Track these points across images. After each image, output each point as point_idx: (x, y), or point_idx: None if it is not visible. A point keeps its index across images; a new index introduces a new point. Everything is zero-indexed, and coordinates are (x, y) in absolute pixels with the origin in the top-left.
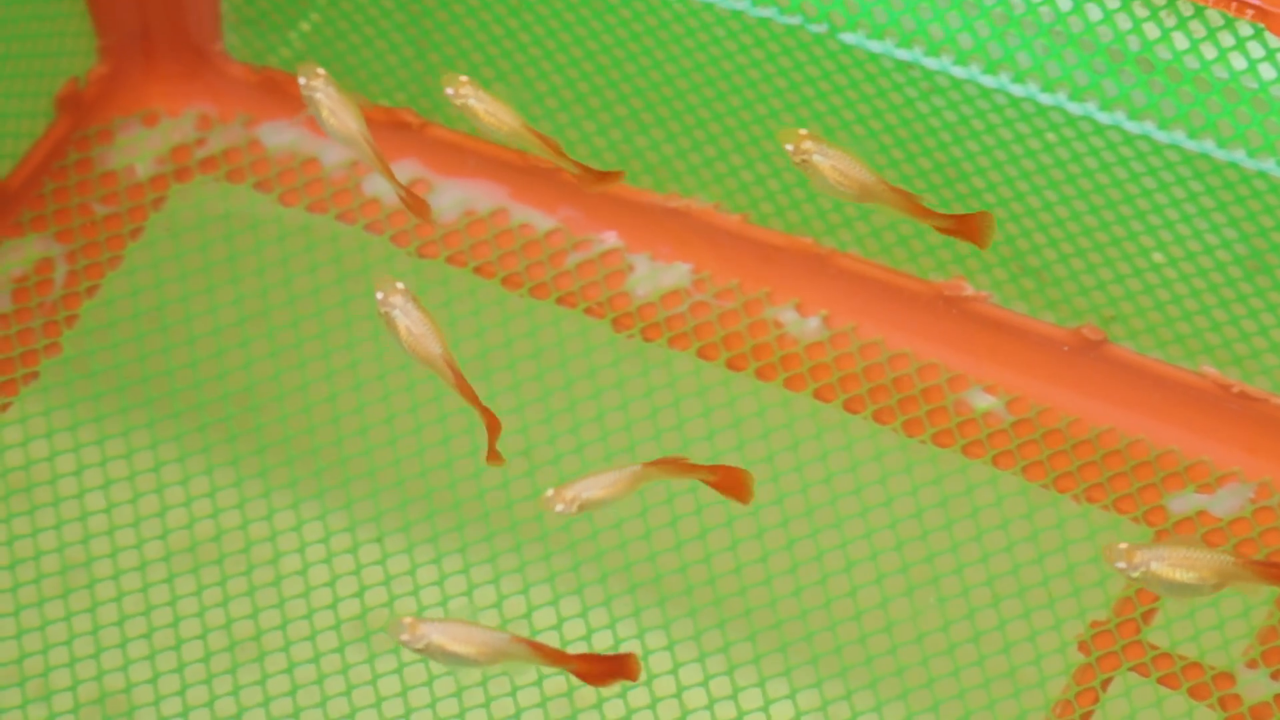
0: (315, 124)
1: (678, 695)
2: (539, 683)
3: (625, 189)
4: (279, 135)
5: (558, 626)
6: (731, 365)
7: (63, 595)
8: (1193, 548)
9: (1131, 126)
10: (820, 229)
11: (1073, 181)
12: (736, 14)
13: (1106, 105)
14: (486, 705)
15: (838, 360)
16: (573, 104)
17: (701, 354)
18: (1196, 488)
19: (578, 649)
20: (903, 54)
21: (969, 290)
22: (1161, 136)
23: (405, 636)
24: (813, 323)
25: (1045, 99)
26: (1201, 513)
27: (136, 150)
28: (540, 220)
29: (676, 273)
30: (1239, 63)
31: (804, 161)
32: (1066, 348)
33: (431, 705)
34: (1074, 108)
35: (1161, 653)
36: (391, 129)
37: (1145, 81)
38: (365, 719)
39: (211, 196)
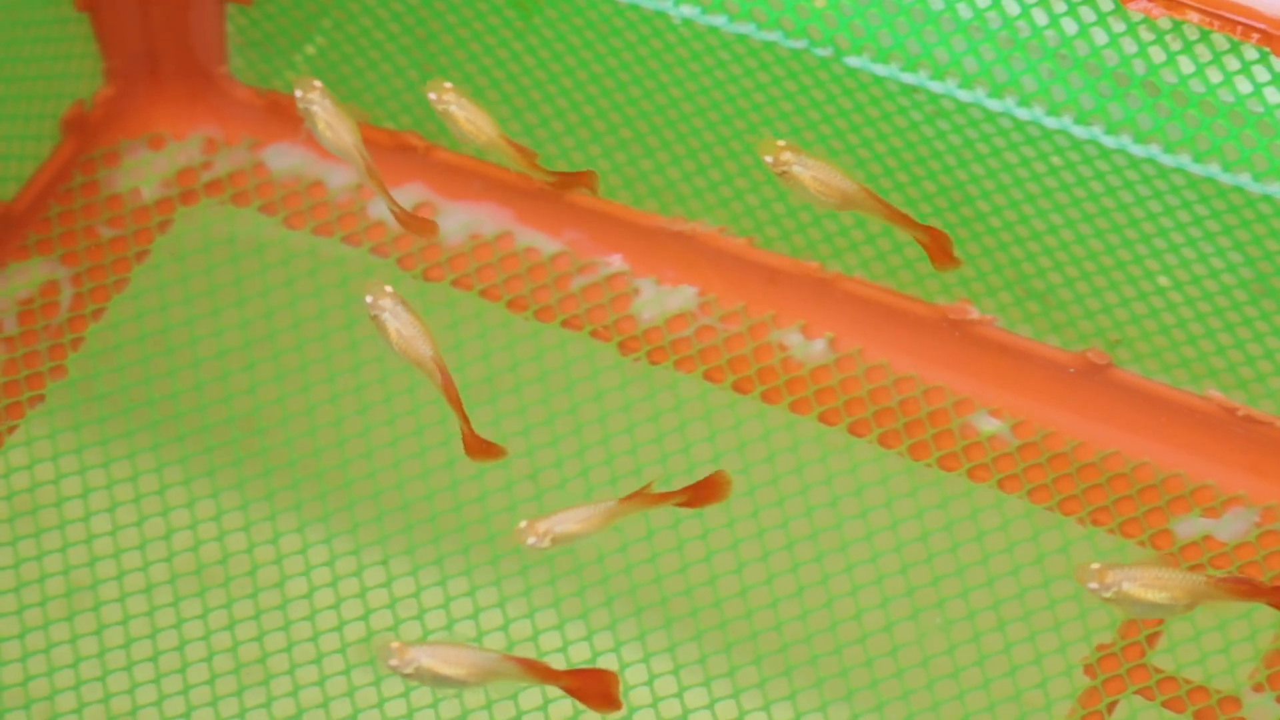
0: (321, 147)
1: (683, 718)
2: (544, 707)
3: (631, 212)
4: (284, 158)
5: (563, 649)
6: (737, 388)
7: (68, 618)
8: (1164, 568)
9: (1137, 150)
10: (826, 252)
11: (1078, 205)
12: (742, 38)
13: (1112, 129)
14: None
15: (843, 384)
16: (578, 127)
17: (707, 377)
18: (1202, 511)
19: None
20: (908, 78)
21: (974, 313)
22: (1167, 160)
23: (394, 661)
24: (818, 346)
25: (1051, 123)
26: (1207, 537)
27: (142, 173)
28: (546, 243)
29: (682, 296)
30: (1245, 86)
31: (784, 173)
32: (1073, 369)
33: None
34: (1080, 131)
35: (1167, 676)
36: (397, 152)
37: (1151, 105)
38: None
39: (217, 220)
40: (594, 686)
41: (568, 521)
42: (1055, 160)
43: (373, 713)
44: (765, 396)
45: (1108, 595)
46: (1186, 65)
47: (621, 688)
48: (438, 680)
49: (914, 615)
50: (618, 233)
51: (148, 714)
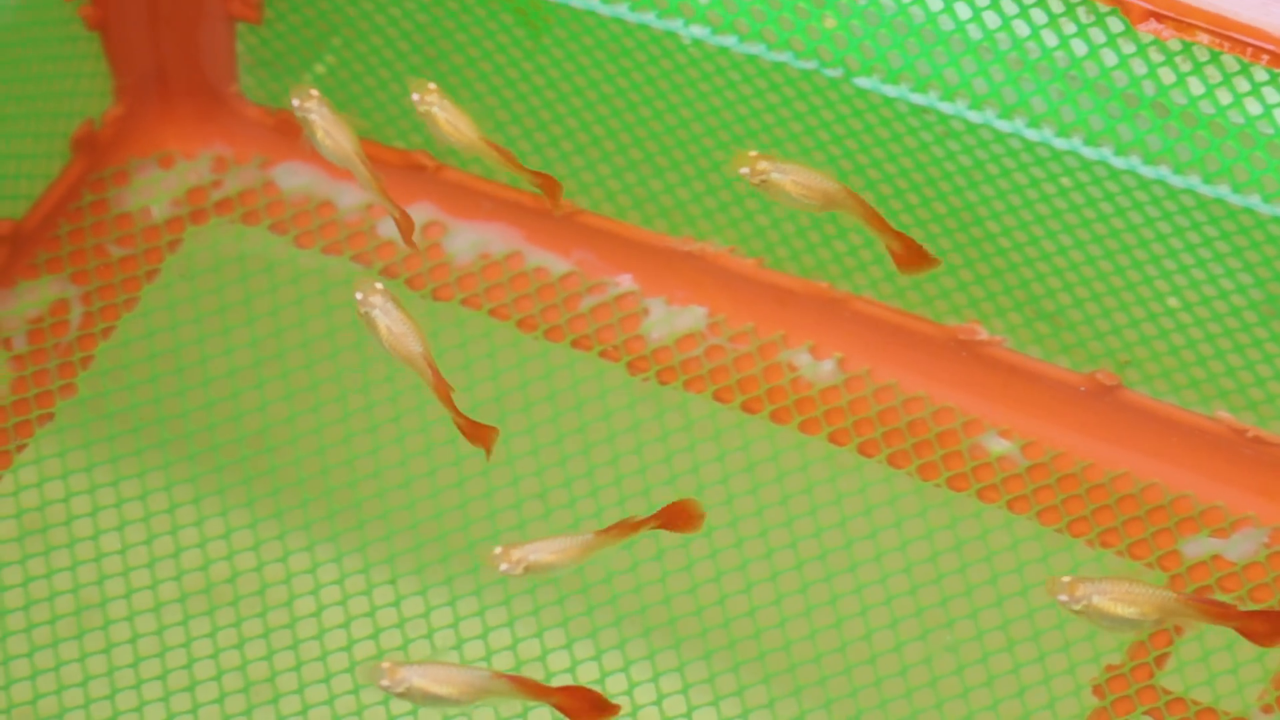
0: (331, 166)
1: None
2: None
3: (640, 232)
4: (295, 177)
5: (572, 669)
6: (747, 409)
7: (78, 637)
8: (1135, 583)
9: (1147, 171)
10: (835, 273)
11: (1088, 226)
12: (752, 58)
13: (1122, 150)
14: None
15: (852, 404)
16: (588, 147)
17: (717, 397)
18: (1211, 532)
19: None
20: (918, 99)
21: (984, 334)
22: (1177, 181)
23: (385, 681)
24: (827, 366)
25: (1061, 144)
26: (1216, 557)
27: (152, 192)
28: (555, 263)
29: (692, 316)
30: (1255, 108)
31: (763, 182)
32: (1083, 388)
33: None
34: (1089, 152)
35: (1175, 697)
36: (406, 171)
37: (1160, 126)
38: None
39: (227, 238)
40: (586, 704)
41: (543, 551)
42: (1065, 181)
43: None
44: (774, 417)
45: (1077, 608)
46: (1196, 87)
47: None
48: (429, 699)
49: (923, 635)
50: (627, 253)
51: None
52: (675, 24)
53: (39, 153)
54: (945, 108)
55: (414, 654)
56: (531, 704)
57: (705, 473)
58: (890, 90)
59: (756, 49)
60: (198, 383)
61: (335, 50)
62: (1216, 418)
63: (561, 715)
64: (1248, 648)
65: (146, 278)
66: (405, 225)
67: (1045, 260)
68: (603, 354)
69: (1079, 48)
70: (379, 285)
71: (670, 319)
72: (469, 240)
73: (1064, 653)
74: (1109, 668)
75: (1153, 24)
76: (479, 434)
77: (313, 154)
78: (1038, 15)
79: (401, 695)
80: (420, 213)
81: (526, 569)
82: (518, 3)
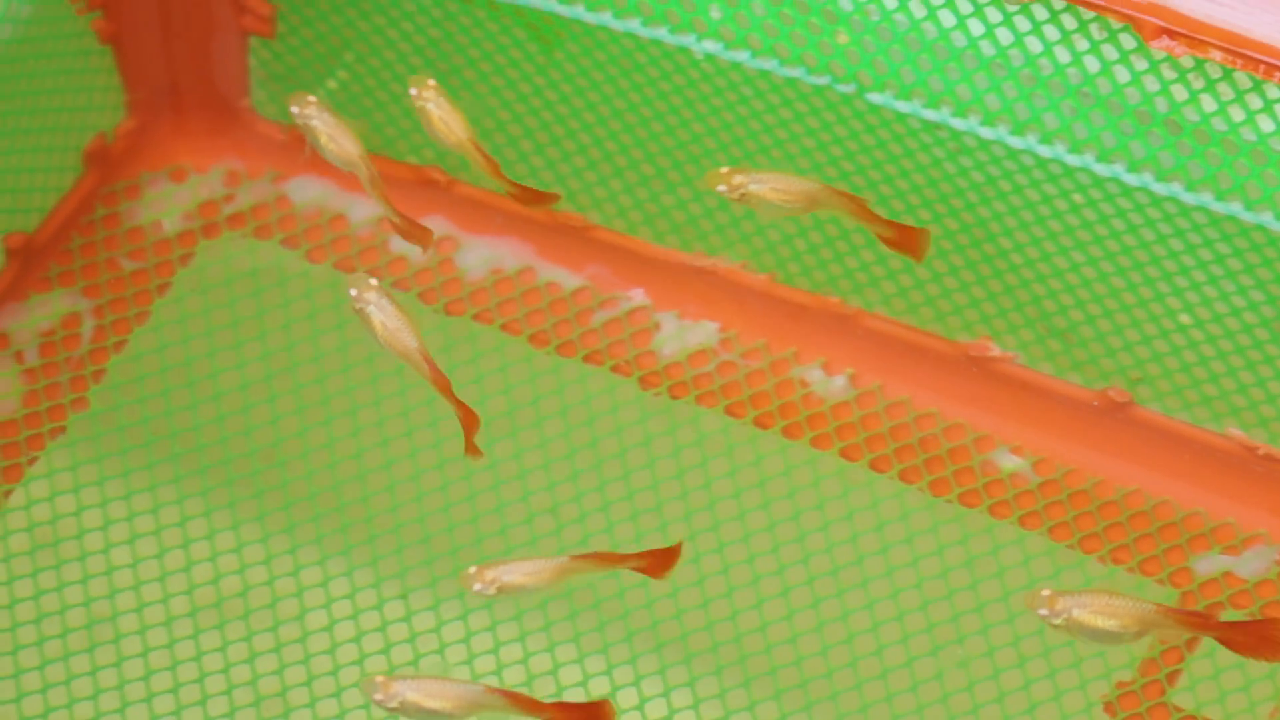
0: (344, 180)
1: None
2: None
3: (653, 247)
4: (307, 191)
5: (583, 683)
6: (758, 424)
7: (88, 650)
8: (1114, 595)
9: (1159, 188)
10: (847, 288)
11: (1100, 243)
12: (764, 74)
13: (1134, 167)
14: None
15: (864, 420)
16: (600, 163)
17: (729, 412)
18: (1222, 549)
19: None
20: (930, 115)
21: (995, 351)
22: (1189, 198)
23: (378, 695)
24: (839, 382)
25: (1073, 160)
26: (1227, 574)
27: (164, 206)
28: (567, 278)
29: (703, 331)
30: (1267, 125)
31: (742, 195)
32: (1095, 405)
33: None
34: (1102, 169)
35: (1187, 715)
36: (419, 186)
37: (1173, 144)
38: None
39: (239, 252)
40: (579, 719)
41: (516, 573)
42: (1077, 198)
43: None
44: (786, 432)
45: (1057, 622)
46: (1209, 103)
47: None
48: (423, 714)
49: (934, 651)
50: (639, 268)
51: None
52: (688, 39)
53: (51, 166)
54: (958, 124)
55: (425, 668)
56: (525, 719)
57: (717, 488)
58: (903, 106)
59: (769, 64)
60: (209, 396)
61: (348, 65)
62: (1228, 435)
63: None
64: (1259, 665)
65: (158, 291)
66: (410, 231)
67: (1057, 277)
68: (615, 369)
69: (1091, 64)
70: (373, 282)
71: (682, 334)
72: (481, 255)
73: (1075, 669)
74: (1120, 684)
75: (1165, 40)
76: (478, 426)
77: (326, 168)
78: (1051, 32)
79: (395, 710)
80: (433, 227)
81: (499, 589)
82: (530, 18)
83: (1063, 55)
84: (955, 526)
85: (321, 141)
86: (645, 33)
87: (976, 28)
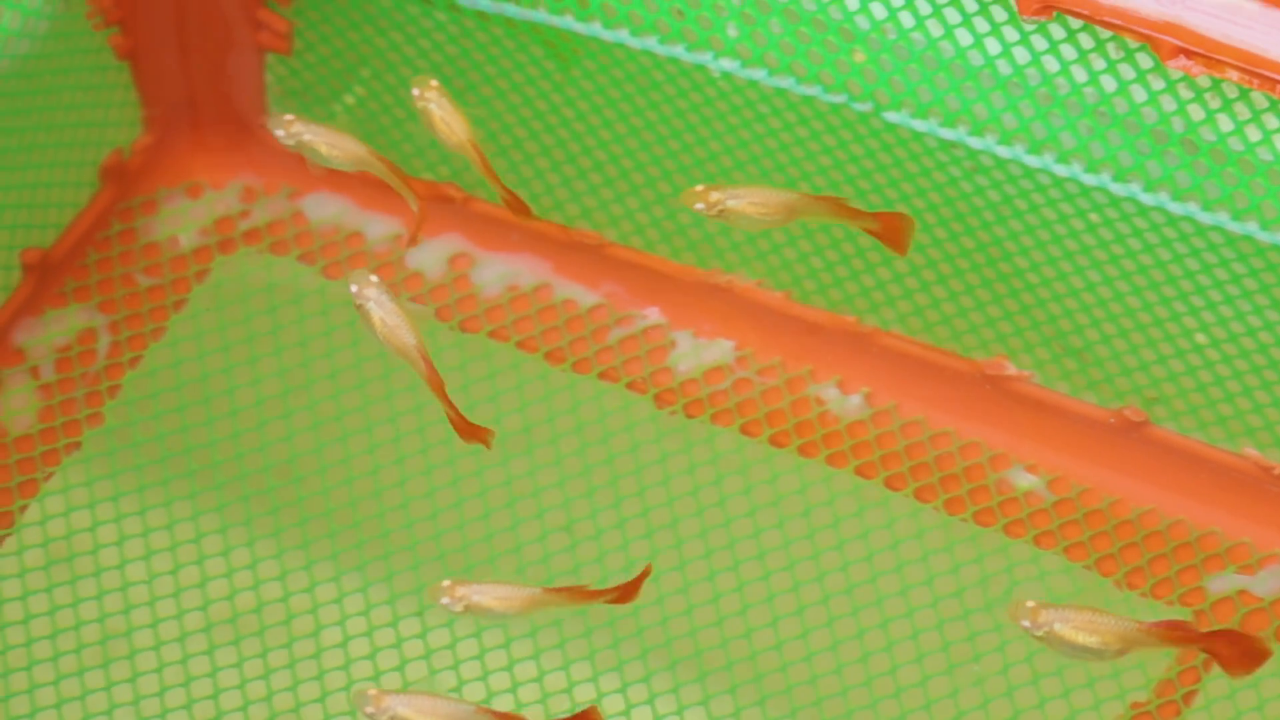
0: (360, 197)
1: None
2: None
3: (668, 265)
4: (323, 208)
5: (597, 700)
6: (774, 442)
7: (103, 665)
8: (1097, 612)
9: (1175, 208)
10: (863, 307)
11: (1116, 262)
12: (781, 92)
13: (1150, 186)
14: None
15: (879, 438)
16: (616, 180)
17: (744, 431)
18: (1238, 569)
19: None
20: (947, 133)
21: (1011, 369)
22: (1205, 218)
23: (370, 709)
24: (855, 400)
25: (1089, 179)
26: (1242, 593)
27: (180, 221)
28: (583, 295)
29: (719, 349)
30: None
31: (721, 212)
32: (1112, 423)
33: None
34: (1118, 188)
35: None
36: (435, 203)
37: (1190, 163)
38: None
39: (255, 268)
40: None
41: (486, 595)
42: (1093, 217)
43: None
44: (802, 451)
45: (1039, 634)
46: (1225, 123)
47: None
48: None
49: (949, 670)
50: (655, 285)
51: None
52: (705, 57)
53: (68, 181)
54: (974, 143)
55: (439, 685)
56: None
57: (732, 506)
58: (919, 125)
59: (786, 83)
60: (225, 413)
61: (364, 81)
62: (1243, 455)
63: None
64: (1272, 685)
65: (174, 307)
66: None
67: (1073, 296)
68: (630, 386)
69: (1108, 84)
70: (373, 278)
71: (698, 352)
72: (497, 272)
73: (1089, 688)
74: (1134, 705)
75: (1182, 60)
76: (473, 432)
77: (342, 184)
78: (1068, 51)
79: None
80: (448, 244)
81: (467, 608)
82: (547, 35)
83: (1080, 74)
84: (970, 545)
85: (322, 152)
86: (662, 50)
87: (993, 46)
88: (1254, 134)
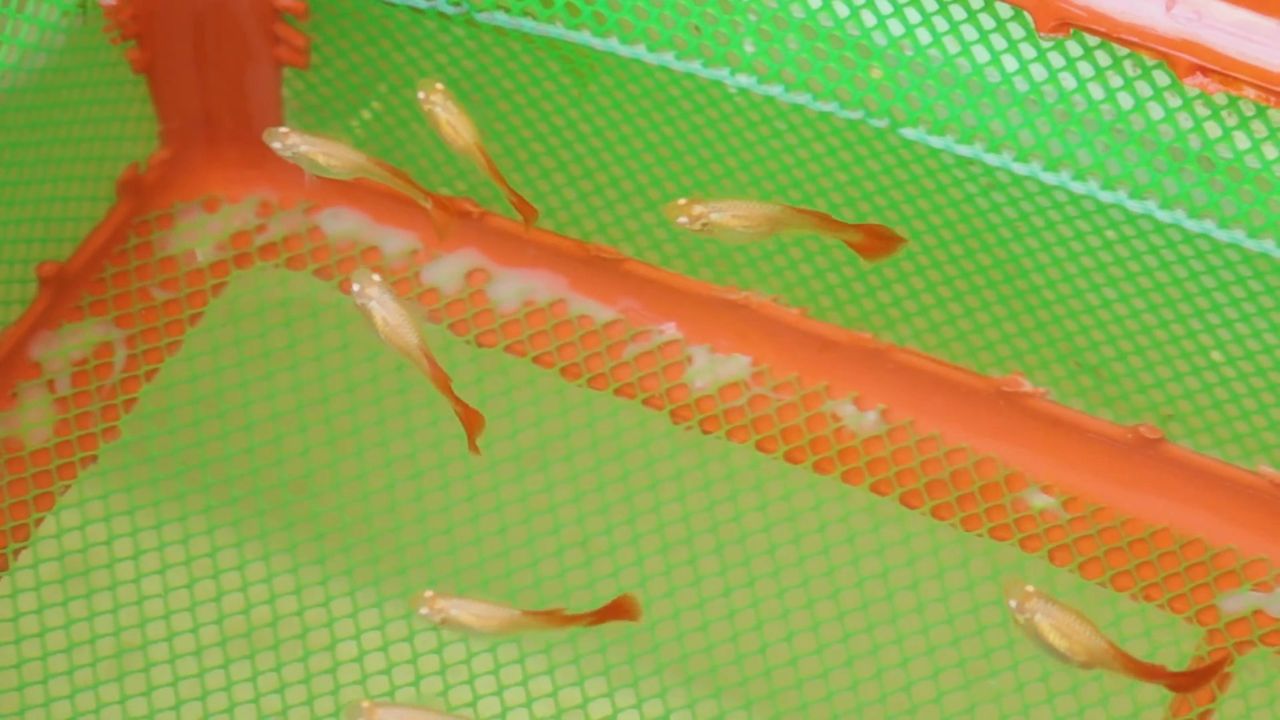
0: (377, 212)
1: None
2: None
3: (685, 280)
4: (340, 222)
5: (612, 717)
6: (789, 458)
7: (118, 679)
8: (1082, 621)
9: (1192, 225)
10: (879, 323)
11: (1132, 279)
12: (798, 108)
13: (1167, 203)
14: None
15: (895, 455)
16: (633, 195)
17: (760, 447)
18: (1253, 586)
19: None
20: (963, 150)
21: (1027, 386)
22: (1222, 235)
23: None
24: (871, 417)
25: (1105, 196)
26: (1258, 611)
27: (197, 235)
28: (599, 311)
29: (735, 365)
30: None
31: (704, 225)
32: (1128, 439)
33: None
34: (1134, 205)
35: None
36: (452, 218)
37: (1206, 180)
38: None
39: (271, 283)
40: None
41: (464, 610)
42: (1110, 234)
43: None
44: (817, 467)
45: (1020, 619)
46: (1242, 141)
47: None
48: None
49: (965, 686)
50: (672, 301)
51: None
52: (721, 73)
53: (84, 195)
54: (991, 159)
55: (455, 701)
56: None
57: (747, 522)
58: (936, 141)
59: (802, 99)
60: (241, 427)
61: (381, 96)
62: (1259, 472)
63: None
64: None
65: (191, 321)
66: (441, 212)
67: (1089, 313)
68: (647, 402)
69: (1125, 101)
70: (375, 277)
71: (714, 368)
72: (513, 287)
73: (1102, 706)
74: None
75: (1199, 78)
76: (481, 425)
77: (359, 199)
78: (1085, 68)
79: None
80: (465, 259)
81: (444, 621)
82: (565, 50)
83: (1096, 91)
84: (986, 562)
85: (320, 162)
86: (679, 66)
87: (1010, 63)
88: (1270, 151)
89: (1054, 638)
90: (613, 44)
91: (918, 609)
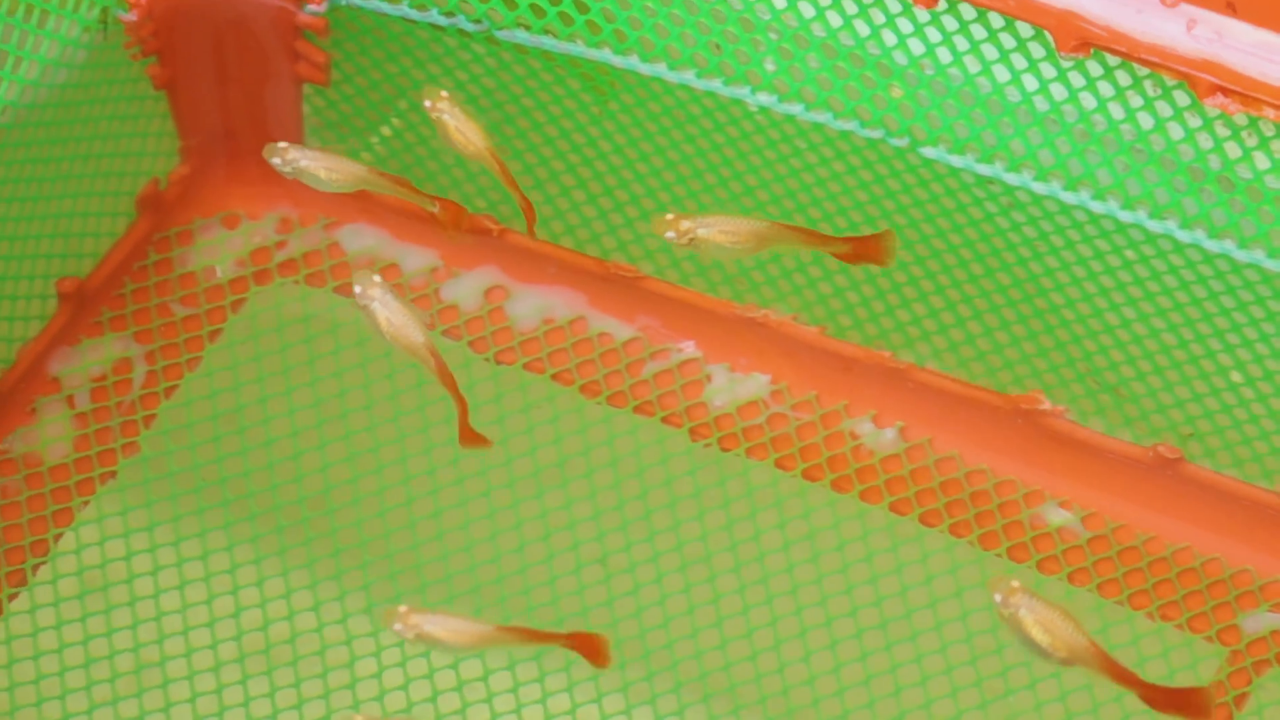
0: (396, 229)
1: None
2: None
3: (704, 299)
4: (359, 239)
5: None
6: (808, 476)
7: (137, 695)
8: (1066, 619)
9: (1211, 245)
10: (898, 342)
11: (1152, 299)
12: (818, 126)
13: (1186, 224)
14: None
15: (914, 473)
16: (653, 213)
17: (779, 465)
18: (1270, 606)
19: None
20: (984, 169)
21: (1046, 405)
22: (1241, 255)
23: None
24: (889, 435)
25: (1125, 216)
26: (1275, 631)
27: (216, 252)
28: (618, 329)
29: (754, 383)
30: None
31: (691, 240)
32: (1147, 459)
33: None
34: (1154, 225)
35: None
36: (470, 235)
37: (1226, 200)
38: None
39: (291, 299)
40: None
41: (439, 626)
42: (1129, 254)
43: None
44: (836, 485)
45: (1005, 613)
46: (1262, 161)
47: None
48: None
49: (982, 705)
50: (691, 319)
51: None
52: (742, 91)
53: (104, 211)
54: (1011, 179)
55: (471, 718)
56: None
57: (766, 540)
58: (956, 161)
59: (823, 117)
60: (260, 443)
61: (401, 114)
62: (1279, 491)
63: None
64: None
65: (210, 337)
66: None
67: (1108, 332)
68: (665, 420)
69: (1145, 121)
70: (376, 278)
71: (733, 386)
72: (532, 305)
73: None
74: None
75: (1219, 98)
76: (477, 441)
77: (378, 217)
78: (1105, 88)
79: None
80: (484, 277)
81: (418, 636)
82: (585, 68)
83: (1117, 111)
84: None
85: (321, 176)
86: (699, 84)
87: (1031, 83)
88: None
89: (1036, 633)
90: (633, 62)
91: (935, 628)
